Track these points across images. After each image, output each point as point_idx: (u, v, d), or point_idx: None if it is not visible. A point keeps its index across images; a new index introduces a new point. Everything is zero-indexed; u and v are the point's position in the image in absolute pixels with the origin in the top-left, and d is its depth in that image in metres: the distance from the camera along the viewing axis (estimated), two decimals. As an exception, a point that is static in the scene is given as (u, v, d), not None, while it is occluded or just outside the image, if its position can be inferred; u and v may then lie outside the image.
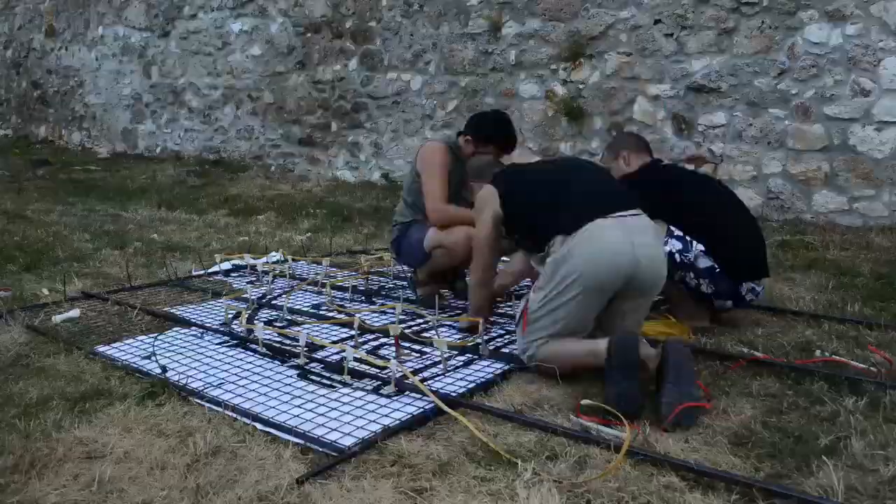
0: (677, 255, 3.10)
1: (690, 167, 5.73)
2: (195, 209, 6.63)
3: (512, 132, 3.64)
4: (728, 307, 3.22)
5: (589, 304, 2.58)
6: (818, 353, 2.86)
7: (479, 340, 3.03)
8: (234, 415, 2.37)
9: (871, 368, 2.64)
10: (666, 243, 3.08)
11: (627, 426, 2.10)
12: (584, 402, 2.35)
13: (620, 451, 2.00)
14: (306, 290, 4.02)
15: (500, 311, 3.55)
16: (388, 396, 2.53)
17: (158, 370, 2.66)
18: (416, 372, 2.73)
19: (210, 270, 4.43)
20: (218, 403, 2.45)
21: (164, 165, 9.38)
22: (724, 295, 3.15)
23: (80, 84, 11.46)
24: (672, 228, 3.16)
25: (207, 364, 2.87)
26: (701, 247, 3.12)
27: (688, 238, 3.15)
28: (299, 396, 2.54)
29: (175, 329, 3.31)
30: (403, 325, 3.23)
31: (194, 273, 4.38)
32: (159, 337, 3.19)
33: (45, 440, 2.21)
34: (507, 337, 3.18)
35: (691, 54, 5.88)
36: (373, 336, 3.20)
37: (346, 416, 2.37)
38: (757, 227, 3.35)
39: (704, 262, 3.11)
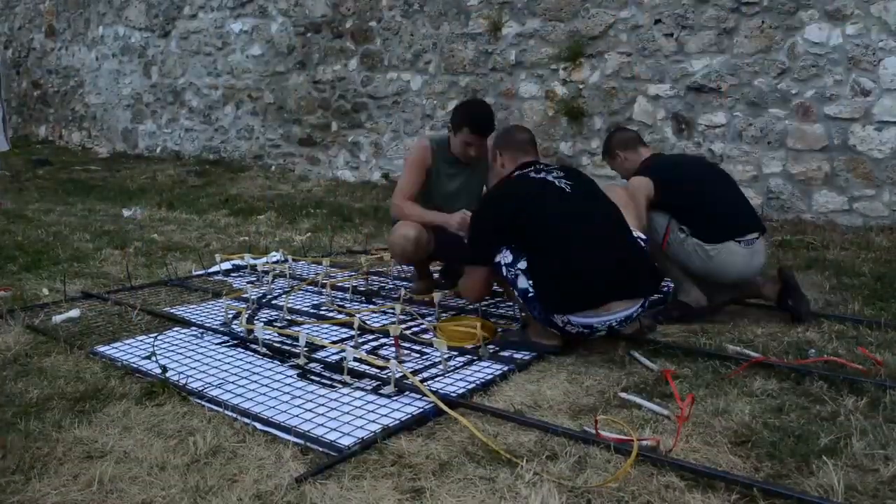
0: (503, 269, 2.89)
1: None
2: (195, 209, 6.63)
3: (481, 113, 3.58)
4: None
5: None
6: (812, 352, 2.86)
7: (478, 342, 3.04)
8: (234, 415, 2.37)
9: (870, 368, 2.64)
10: (499, 253, 2.90)
11: (635, 438, 2.09)
12: (600, 417, 2.34)
13: (629, 459, 1.99)
14: (306, 290, 4.02)
15: (500, 311, 3.55)
16: (387, 396, 2.53)
17: (158, 370, 2.66)
18: (415, 372, 2.73)
19: (210, 270, 4.43)
20: (218, 403, 2.45)
21: (165, 165, 9.39)
22: (539, 320, 2.87)
23: (80, 84, 11.46)
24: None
25: (207, 364, 2.87)
26: (523, 264, 2.83)
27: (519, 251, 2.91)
28: (299, 396, 2.54)
29: (175, 329, 3.32)
30: (403, 326, 3.24)
31: (194, 273, 4.38)
32: (159, 337, 3.19)
33: (45, 440, 2.21)
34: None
35: (691, 54, 5.88)
36: (373, 336, 3.20)
37: (346, 416, 2.37)
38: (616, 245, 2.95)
39: (522, 283, 2.83)
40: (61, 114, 11.97)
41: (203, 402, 2.48)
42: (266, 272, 4.24)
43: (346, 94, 8.14)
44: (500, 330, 3.14)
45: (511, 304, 3.57)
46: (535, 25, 6.66)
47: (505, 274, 2.88)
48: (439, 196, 3.69)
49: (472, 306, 3.54)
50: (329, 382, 2.67)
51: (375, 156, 8.01)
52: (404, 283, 4.14)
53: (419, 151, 3.70)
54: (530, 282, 2.81)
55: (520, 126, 3.59)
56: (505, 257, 2.88)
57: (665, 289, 3.47)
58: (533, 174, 3.02)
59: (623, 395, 2.50)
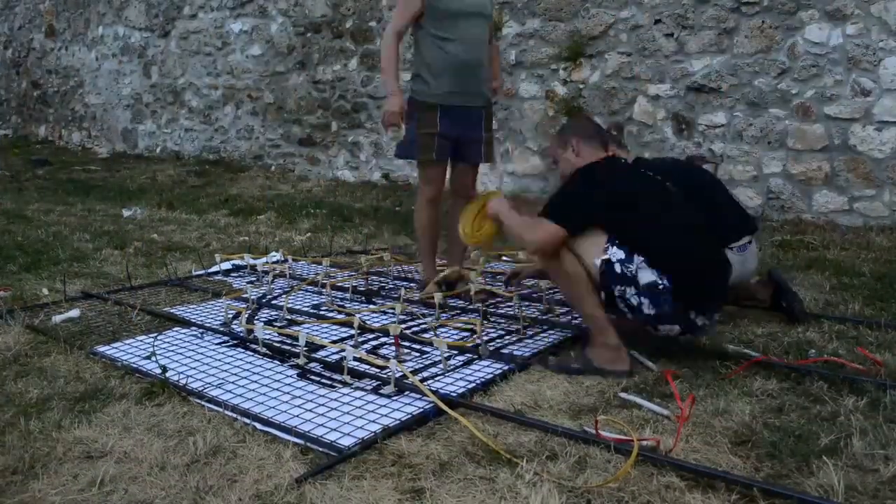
0: (617, 266, 2.68)
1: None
2: (195, 209, 6.63)
3: None
4: (674, 334, 2.76)
5: None
6: (812, 352, 2.86)
7: (478, 341, 3.03)
8: (234, 415, 2.37)
9: (870, 368, 2.64)
10: (605, 251, 2.71)
11: (635, 438, 2.09)
12: (601, 418, 2.34)
13: (629, 460, 1.99)
14: (306, 290, 4.02)
15: (500, 311, 3.55)
16: (387, 396, 2.53)
17: (158, 370, 2.66)
18: (415, 372, 2.73)
19: (210, 270, 4.43)
20: (218, 403, 2.45)
21: (164, 165, 9.39)
22: (669, 318, 2.70)
23: (80, 84, 11.46)
24: (615, 238, 2.74)
25: (207, 364, 2.87)
26: (643, 258, 2.68)
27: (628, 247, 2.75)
28: (299, 396, 2.54)
29: (175, 329, 3.32)
30: (403, 325, 3.23)
31: (194, 273, 4.38)
32: (159, 337, 3.19)
33: (45, 440, 2.21)
34: (507, 338, 3.18)
35: (691, 54, 5.88)
36: (373, 336, 3.20)
37: (346, 416, 2.37)
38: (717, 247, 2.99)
39: (647, 277, 2.66)
40: (61, 114, 11.97)
41: (203, 402, 2.48)
42: (266, 272, 4.24)
43: (346, 94, 8.14)
44: (551, 356, 2.88)
45: (511, 304, 3.57)
46: (535, 25, 6.66)
47: (621, 271, 2.66)
48: (448, 13, 3.55)
49: (476, 304, 3.54)
50: (329, 382, 2.67)
51: (375, 156, 8.01)
52: (404, 282, 4.14)
53: None
54: (661, 274, 2.64)
55: (591, 118, 3.53)
56: (615, 254, 2.68)
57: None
58: (643, 170, 2.99)
59: (623, 395, 2.50)
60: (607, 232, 2.74)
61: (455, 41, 3.54)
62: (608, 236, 2.73)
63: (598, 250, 2.71)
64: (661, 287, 2.65)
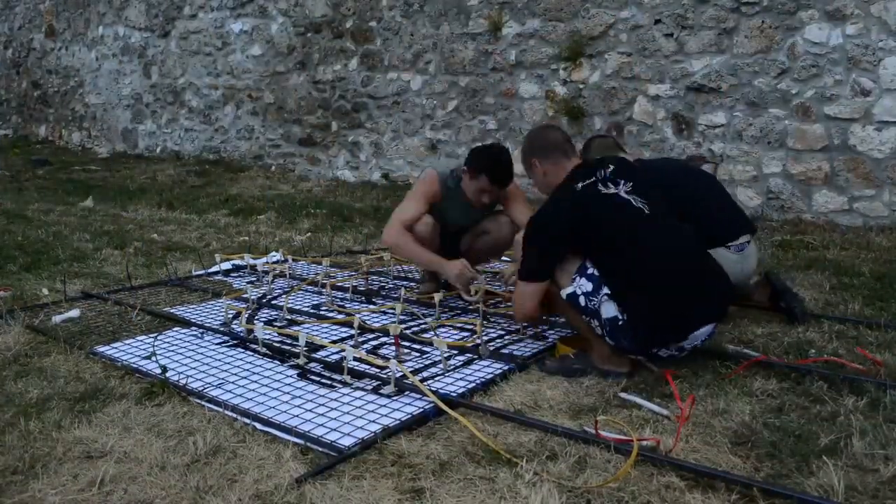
0: (582, 299, 2.63)
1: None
2: (195, 209, 6.63)
3: (503, 163, 3.49)
4: (643, 359, 2.73)
5: None
6: (812, 352, 2.86)
7: (478, 340, 3.04)
8: (234, 415, 2.37)
9: (870, 368, 2.65)
10: (573, 282, 2.65)
11: (635, 438, 2.09)
12: (602, 418, 2.34)
13: (629, 460, 1.99)
14: (306, 290, 4.02)
15: (500, 311, 3.55)
16: (388, 396, 2.53)
17: (158, 370, 2.66)
18: (415, 372, 2.73)
19: (210, 270, 4.43)
20: (218, 403, 2.45)
21: (164, 165, 9.39)
22: (629, 351, 2.68)
23: (80, 84, 11.46)
24: (587, 264, 2.67)
25: (207, 364, 2.87)
26: (608, 290, 2.60)
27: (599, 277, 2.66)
28: (299, 396, 2.54)
29: (175, 329, 3.32)
30: (403, 325, 3.23)
31: (194, 273, 4.38)
32: (159, 337, 3.19)
33: (45, 440, 2.21)
34: (507, 338, 3.18)
35: (691, 54, 5.88)
36: (373, 336, 3.20)
37: (346, 416, 2.37)
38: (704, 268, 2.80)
39: (608, 311, 2.60)
40: (61, 114, 11.97)
41: (203, 402, 2.48)
42: (266, 272, 4.24)
43: (346, 94, 8.14)
44: (546, 360, 2.84)
45: (511, 304, 3.57)
46: (535, 25, 6.66)
47: (584, 304, 2.62)
48: (441, 220, 3.67)
49: (475, 314, 3.54)
50: (329, 382, 2.67)
51: (375, 156, 8.01)
52: (404, 282, 4.15)
53: (429, 185, 3.62)
54: (620, 309, 2.57)
55: (548, 126, 3.23)
56: (582, 286, 2.62)
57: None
58: (602, 188, 2.71)
59: (623, 395, 2.50)
60: (582, 254, 2.69)
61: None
62: (579, 263, 2.66)
63: (568, 279, 2.67)
64: (620, 323, 2.58)
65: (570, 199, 2.73)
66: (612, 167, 2.78)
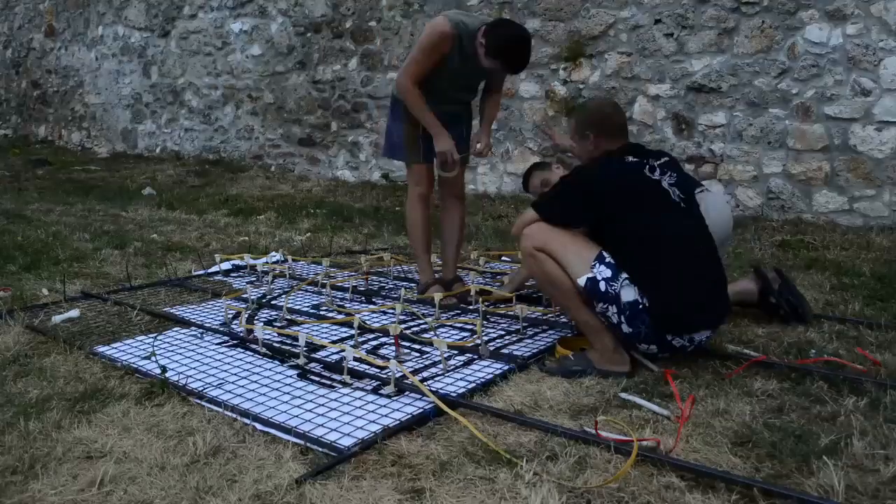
0: (602, 284, 2.64)
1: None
2: (195, 209, 6.63)
3: (521, 53, 3.39)
4: (652, 353, 2.74)
5: None
6: (812, 352, 2.86)
7: (478, 341, 3.03)
8: (234, 415, 2.37)
9: (870, 368, 2.65)
10: (592, 268, 2.67)
11: (635, 438, 2.09)
12: (602, 418, 2.34)
13: (629, 460, 1.99)
14: (306, 290, 4.02)
15: (500, 311, 3.54)
16: (387, 396, 2.53)
17: (158, 370, 2.66)
18: (415, 372, 2.73)
19: (210, 270, 4.43)
20: (218, 403, 2.45)
21: (164, 165, 9.39)
22: (645, 338, 2.67)
23: (79, 84, 11.46)
24: (604, 253, 2.69)
25: (207, 364, 2.87)
26: (627, 275, 2.64)
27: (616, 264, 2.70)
28: (299, 396, 2.54)
29: (175, 329, 3.31)
30: (403, 325, 3.23)
31: (194, 273, 4.38)
32: (159, 337, 3.19)
33: (45, 440, 2.21)
34: (507, 338, 3.18)
35: (691, 54, 5.88)
36: (373, 336, 3.20)
37: (346, 417, 2.37)
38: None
39: (629, 295, 2.62)
40: (61, 114, 11.97)
41: (203, 402, 2.48)
42: (266, 272, 4.23)
43: (346, 94, 8.14)
44: (546, 361, 2.85)
45: (513, 304, 3.57)
46: (535, 25, 6.66)
47: (605, 289, 2.63)
48: (438, 75, 3.55)
49: (474, 303, 3.54)
50: (329, 382, 2.67)
51: (375, 156, 8.01)
52: (404, 283, 4.14)
53: (440, 38, 3.44)
54: (641, 293, 2.60)
55: (614, 104, 3.25)
56: (601, 272, 2.64)
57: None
58: (648, 172, 2.77)
59: (623, 395, 2.50)
60: (600, 242, 2.72)
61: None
62: (598, 252, 2.69)
63: (585, 267, 2.68)
64: (640, 307, 2.62)
65: (619, 167, 2.80)
66: (664, 159, 2.87)
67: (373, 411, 2.41)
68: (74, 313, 3.48)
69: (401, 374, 2.59)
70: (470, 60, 3.49)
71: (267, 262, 4.42)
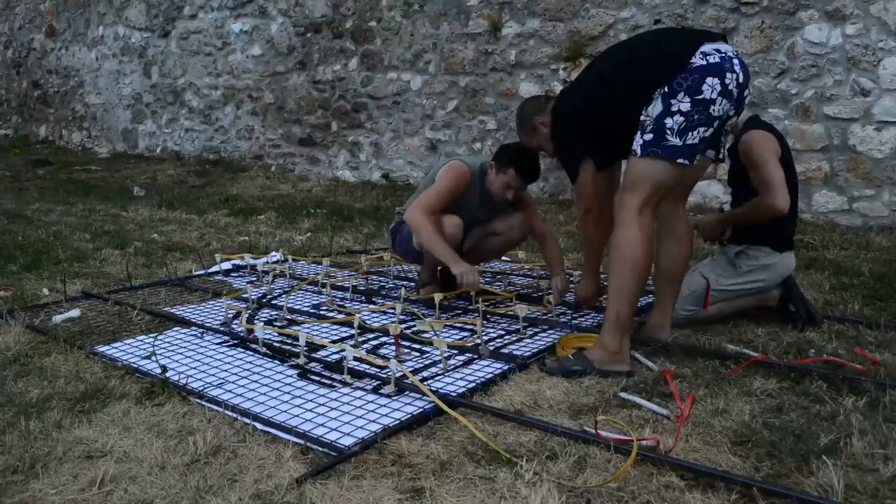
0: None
1: None
2: (195, 209, 6.63)
3: (533, 160, 3.52)
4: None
5: None
6: (812, 352, 2.86)
7: (478, 340, 3.04)
8: (234, 415, 2.37)
9: (870, 368, 2.65)
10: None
11: (635, 438, 2.09)
12: (601, 418, 2.34)
13: (629, 459, 1.99)
14: (306, 290, 4.02)
15: (499, 311, 3.55)
16: (388, 396, 2.53)
17: (158, 370, 2.66)
18: (415, 372, 2.73)
19: (210, 270, 4.43)
20: (218, 403, 2.45)
21: (165, 165, 9.40)
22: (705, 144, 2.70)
23: (80, 84, 11.47)
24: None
25: (207, 364, 2.87)
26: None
27: None
28: (299, 396, 2.54)
29: (175, 329, 3.32)
30: (403, 325, 3.24)
31: (194, 273, 4.38)
32: (159, 337, 3.19)
33: (45, 440, 2.21)
34: (506, 338, 3.18)
35: (691, 54, 5.87)
36: (373, 336, 3.21)
37: (346, 416, 2.37)
38: None
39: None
40: (61, 114, 11.97)
41: (203, 402, 2.48)
42: (266, 272, 4.24)
43: (346, 94, 8.14)
44: (546, 361, 2.85)
45: (512, 303, 3.56)
46: (534, 25, 6.66)
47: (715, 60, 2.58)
48: (457, 212, 3.59)
49: (475, 304, 3.54)
50: (329, 382, 2.67)
51: (375, 156, 8.01)
52: (404, 282, 4.15)
53: (459, 178, 3.54)
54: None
55: (521, 104, 3.54)
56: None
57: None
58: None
59: (623, 395, 2.50)
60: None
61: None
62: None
63: None
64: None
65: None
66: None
67: (373, 411, 2.41)
68: (75, 313, 3.48)
69: (401, 373, 2.59)
70: (488, 200, 3.62)
71: (267, 262, 4.42)
